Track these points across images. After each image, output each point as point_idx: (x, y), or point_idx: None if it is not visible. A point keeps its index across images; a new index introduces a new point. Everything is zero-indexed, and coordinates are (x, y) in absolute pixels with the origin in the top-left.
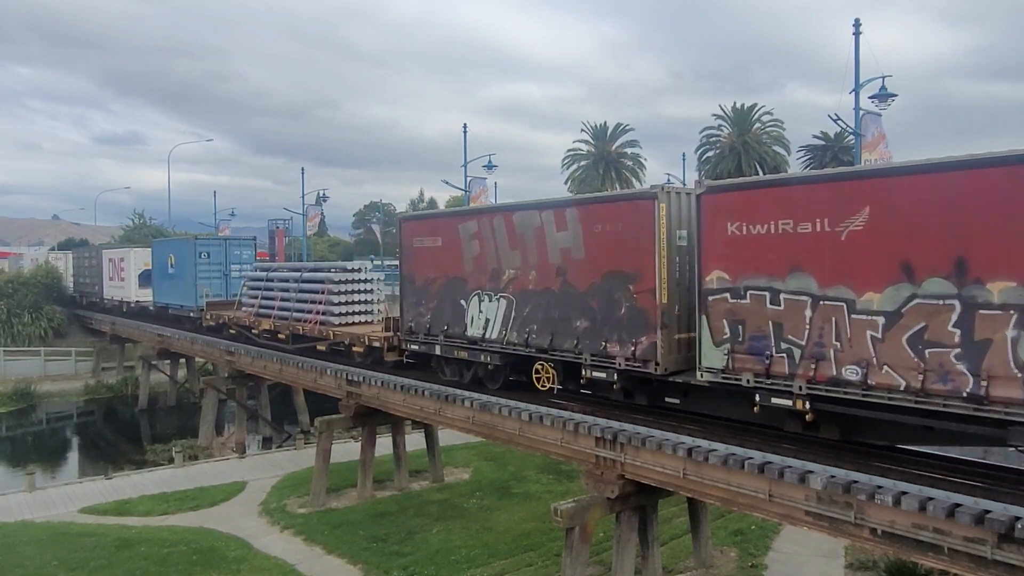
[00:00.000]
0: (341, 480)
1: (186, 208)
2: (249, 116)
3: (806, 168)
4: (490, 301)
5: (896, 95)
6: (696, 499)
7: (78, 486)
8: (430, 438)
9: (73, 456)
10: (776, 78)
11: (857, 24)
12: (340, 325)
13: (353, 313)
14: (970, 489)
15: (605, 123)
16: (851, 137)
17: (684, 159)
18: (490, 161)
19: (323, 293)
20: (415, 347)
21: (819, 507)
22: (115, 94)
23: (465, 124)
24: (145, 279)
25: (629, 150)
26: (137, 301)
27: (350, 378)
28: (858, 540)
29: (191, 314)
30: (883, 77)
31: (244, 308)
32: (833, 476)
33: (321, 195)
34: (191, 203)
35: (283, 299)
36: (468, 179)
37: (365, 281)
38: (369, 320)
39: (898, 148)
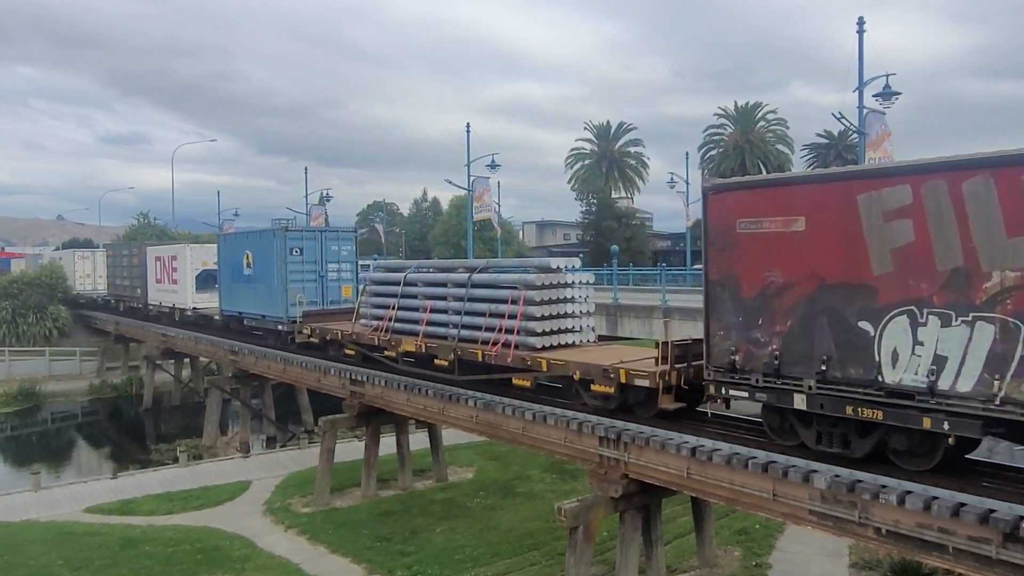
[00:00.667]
0: (345, 479)
1: (190, 208)
2: (252, 116)
3: (810, 167)
4: (946, 326)
5: (900, 93)
6: (700, 498)
7: (83, 486)
8: (434, 438)
9: (78, 456)
10: (779, 77)
11: (860, 22)
12: (544, 349)
13: (560, 332)
14: (975, 488)
15: (608, 122)
16: (855, 136)
17: (687, 158)
18: (493, 160)
19: (514, 303)
20: (741, 394)
21: (823, 506)
22: (118, 94)
23: (468, 124)
24: (204, 282)
25: (632, 149)
26: (195, 308)
27: (353, 378)
28: (862, 539)
29: (279, 327)
30: (886, 75)
31: (364, 321)
32: (837, 475)
33: (324, 195)
34: (195, 203)
35: (436, 310)
36: (471, 179)
37: (568, 286)
38: (575, 342)
39: (901, 146)
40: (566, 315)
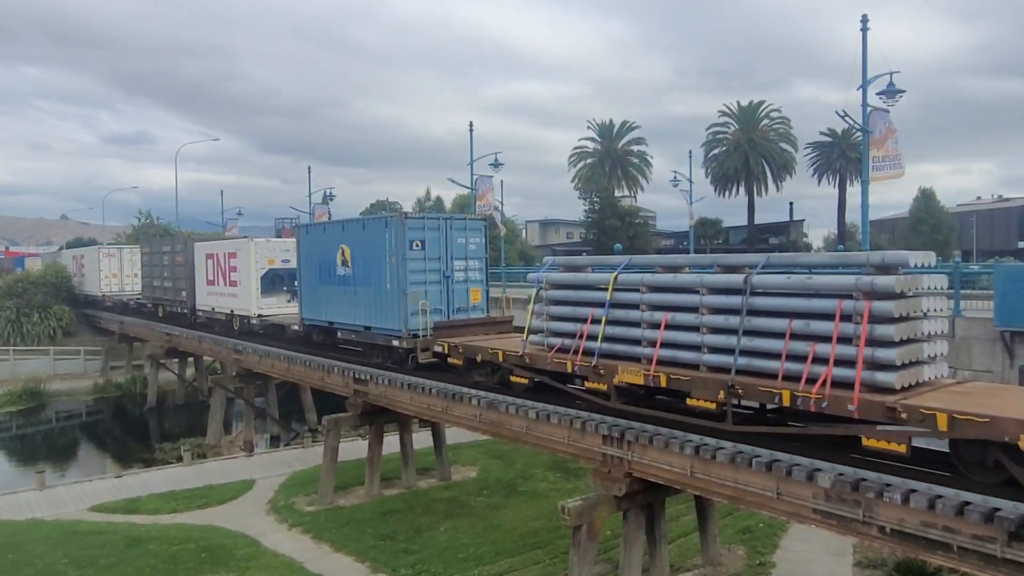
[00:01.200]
0: (349, 478)
1: (193, 207)
2: (256, 115)
3: (814, 165)
4: None
5: (904, 91)
6: (703, 497)
7: (87, 484)
8: (437, 436)
9: (82, 455)
10: (783, 75)
11: (864, 20)
12: (904, 391)
13: (916, 363)
14: (979, 487)
15: (611, 121)
16: (859, 134)
17: (691, 157)
18: (496, 159)
19: (848, 319)
20: None
21: (827, 505)
22: (123, 94)
23: (471, 122)
24: (270, 283)
25: (635, 148)
26: (260, 315)
27: (357, 376)
28: (866, 538)
29: (393, 342)
30: (891, 73)
31: (536, 338)
32: (841, 474)
33: (328, 194)
34: (198, 202)
35: (679, 326)
36: (474, 177)
37: (922, 295)
38: (931, 378)
39: (906, 145)
40: (921, 338)
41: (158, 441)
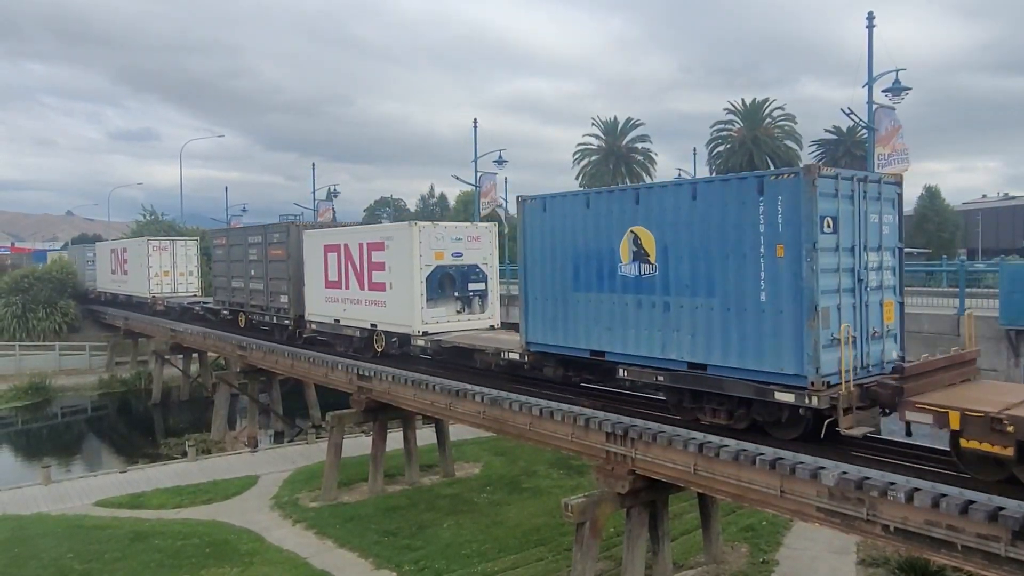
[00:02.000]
0: (352, 474)
1: (197, 204)
2: (261, 112)
3: (819, 163)
4: None
5: (910, 88)
6: (707, 495)
7: (93, 479)
8: (441, 433)
9: (87, 450)
10: (787, 73)
11: (870, 17)
12: None
13: None
14: (983, 486)
15: (615, 118)
16: (864, 131)
17: (695, 154)
18: (500, 156)
19: None
20: None
21: (831, 503)
22: (130, 91)
23: (475, 119)
24: (437, 287)
25: (639, 145)
26: (426, 333)
27: (361, 373)
28: (870, 537)
29: (779, 395)
30: (896, 71)
31: None
32: (845, 472)
33: (332, 190)
34: (203, 199)
35: None
36: (478, 174)
37: None
38: None
39: (910, 142)
40: None
41: (163, 437)
